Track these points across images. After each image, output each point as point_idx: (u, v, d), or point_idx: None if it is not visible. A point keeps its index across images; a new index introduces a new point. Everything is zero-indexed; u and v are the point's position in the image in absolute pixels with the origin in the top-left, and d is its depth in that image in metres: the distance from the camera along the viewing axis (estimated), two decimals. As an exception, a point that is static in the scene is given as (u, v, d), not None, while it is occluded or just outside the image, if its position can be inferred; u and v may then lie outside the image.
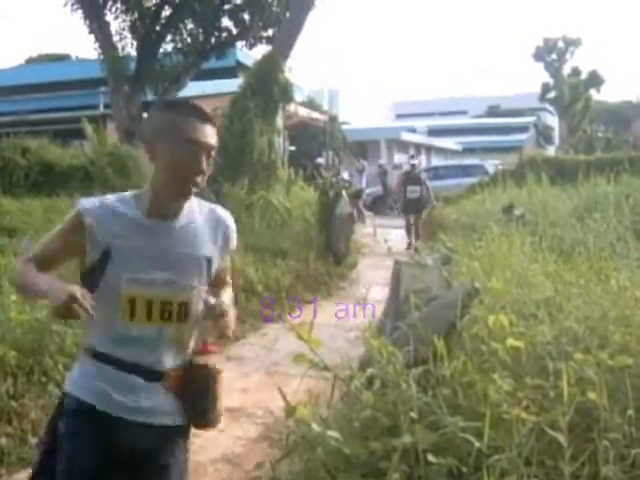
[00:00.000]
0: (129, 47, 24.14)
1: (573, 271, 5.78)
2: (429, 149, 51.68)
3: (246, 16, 24.36)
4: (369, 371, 3.94)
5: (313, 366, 3.76)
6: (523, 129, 64.77)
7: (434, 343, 3.95)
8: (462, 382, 3.80)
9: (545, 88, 68.43)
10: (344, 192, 15.50)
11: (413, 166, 19.41)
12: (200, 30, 24.46)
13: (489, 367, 3.93)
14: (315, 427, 3.54)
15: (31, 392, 5.86)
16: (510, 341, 3.85)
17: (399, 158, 40.16)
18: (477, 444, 3.21)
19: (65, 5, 23.28)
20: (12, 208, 15.28)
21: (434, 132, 57.32)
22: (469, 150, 52.33)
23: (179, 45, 24.56)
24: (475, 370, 3.85)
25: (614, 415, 3.43)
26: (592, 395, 3.38)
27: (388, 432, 3.55)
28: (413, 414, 3.49)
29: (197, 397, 2.68)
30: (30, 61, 43.76)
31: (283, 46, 17.44)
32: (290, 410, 3.63)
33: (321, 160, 28.65)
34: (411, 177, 18.92)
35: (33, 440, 5.27)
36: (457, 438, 3.34)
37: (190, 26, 24.54)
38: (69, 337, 6.46)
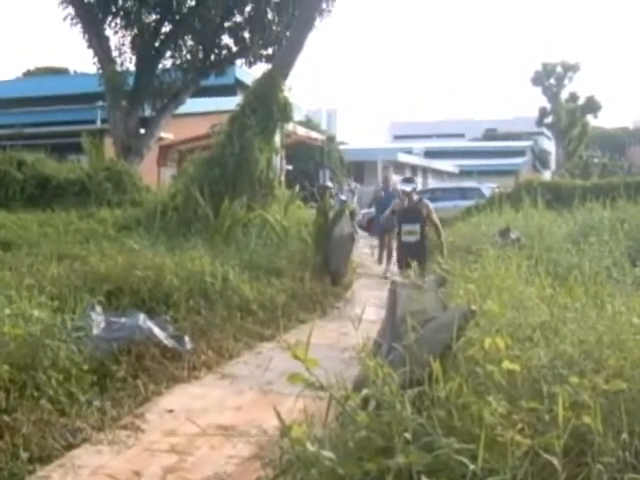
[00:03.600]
0: (128, 62, 24.24)
1: (569, 295, 5.79)
2: (426, 171, 51.85)
3: (246, 34, 24.45)
4: (364, 391, 3.93)
5: (308, 386, 3.75)
6: (520, 153, 65.17)
7: (430, 365, 3.94)
8: (457, 404, 3.79)
9: (543, 113, 68.83)
10: (347, 212, 15.54)
11: (408, 194, 12.45)
12: (200, 47, 24.54)
13: (484, 389, 3.93)
14: (310, 447, 3.53)
15: (23, 406, 5.83)
16: (505, 364, 3.85)
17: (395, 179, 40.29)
18: (471, 466, 3.21)
19: (64, 19, 23.37)
20: (7, 222, 15.28)
21: (431, 154, 57.63)
22: (466, 173, 52.57)
23: (178, 62, 24.62)
24: (470, 392, 3.85)
25: (608, 439, 3.43)
26: (587, 419, 3.38)
27: (382, 453, 3.54)
28: (408, 435, 3.48)
29: None
30: (28, 74, 43.93)
31: (283, 65, 17.49)
32: (285, 429, 3.62)
33: (329, 184, 28.35)
34: (406, 211, 12.33)
35: (25, 455, 5.24)
36: (451, 460, 3.34)
37: (190, 43, 24.63)
38: (62, 352, 6.45)
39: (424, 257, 11.68)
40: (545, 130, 71.69)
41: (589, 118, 68.99)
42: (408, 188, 12.64)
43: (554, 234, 12.78)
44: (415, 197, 12.60)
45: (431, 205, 12.52)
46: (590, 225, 13.26)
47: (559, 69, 69.01)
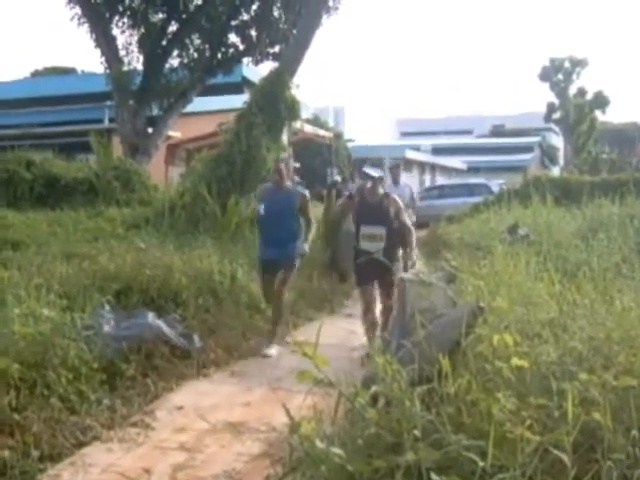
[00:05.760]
0: (135, 62, 24.25)
1: (578, 291, 5.78)
2: (434, 168, 51.79)
3: (253, 32, 24.45)
4: (373, 389, 3.94)
5: (318, 383, 3.76)
6: (528, 149, 65.03)
7: (439, 361, 3.95)
8: (466, 401, 3.79)
9: (550, 108, 68.55)
10: None
11: (374, 181, 9.03)
12: (206, 46, 24.54)
13: (493, 386, 3.93)
14: (319, 444, 3.54)
15: (34, 405, 5.85)
16: (514, 360, 3.85)
17: (405, 176, 40.24)
18: (481, 463, 3.21)
19: (72, 19, 23.41)
20: (16, 221, 15.30)
21: (439, 151, 57.57)
22: (474, 169, 52.50)
23: (185, 60, 24.63)
24: (479, 389, 3.85)
25: (618, 436, 3.42)
26: (596, 415, 3.38)
27: (392, 450, 3.54)
28: (417, 432, 3.48)
29: None
30: (36, 74, 43.94)
31: (290, 63, 17.46)
32: (294, 426, 3.63)
33: (337, 178, 28.14)
34: (366, 207, 9.08)
35: (35, 453, 5.27)
36: (461, 457, 3.34)
37: (197, 41, 24.63)
38: (72, 350, 6.48)
39: (389, 275, 8.82)
40: (553, 126, 71.49)
41: (597, 113, 68.67)
42: (375, 173, 9.20)
43: (563, 230, 12.74)
44: (381, 190, 9.21)
45: (400, 202, 9.43)
46: (599, 221, 13.20)
47: (567, 64, 68.74)
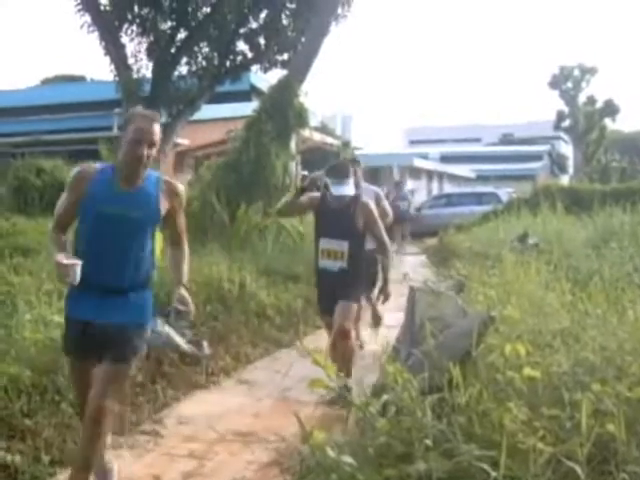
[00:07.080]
0: (144, 69, 24.25)
1: (589, 301, 5.75)
2: (442, 176, 51.72)
3: (261, 40, 24.47)
4: (384, 397, 3.92)
5: (329, 392, 3.76)
6: (537, 158, 64.79)
7: (449, 371, 3.93)
8: (477, 410, 3.77)
9: (560, 116, 68.34)
10: None
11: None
12: (215, 54, 24.55)
13: (505, 396, 3.91)
14: (330, 452, 3.52)
15: (45, 410, 5.88)
16: (526, 370, 3.83)
17: (413, 184, 40.24)
18: (493, 473, 3.19)
19: (81, 27, 23.47)
20: (27, 228, 15.35)
21: (447, 159, 57.41)
22: (483, 178, 52.38)
23: (194, 68, 24.64)
24: (490, 399, 3.83)
25: (632, 448, 3.40)
26: (610, 427, 3.36)
27: (402, 459, 3.53)
28: (428, 441, 3.48)
29: None
30: (45, 82, 44.06)
31: (298, 71, 17.49)
32: (306, 435, 3.62)
33: None
34: (329, 214, 7.01)
35: (46, 458, 5.28)
36: (472, 467, 3.32)
37: (205, 49, 24.63)
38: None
39: (352, 301, 6.97)
40: (562, 134, 71.33)
41: (607, 122, 68.44)
42: (353, 181, 7.19)
43: (573, 239, 12.70)
44: (348, 192, 7.01)
45: (373, 206, 7.22)
46: (610, 230, 13.15)
47: (576, 72, 68.59)
